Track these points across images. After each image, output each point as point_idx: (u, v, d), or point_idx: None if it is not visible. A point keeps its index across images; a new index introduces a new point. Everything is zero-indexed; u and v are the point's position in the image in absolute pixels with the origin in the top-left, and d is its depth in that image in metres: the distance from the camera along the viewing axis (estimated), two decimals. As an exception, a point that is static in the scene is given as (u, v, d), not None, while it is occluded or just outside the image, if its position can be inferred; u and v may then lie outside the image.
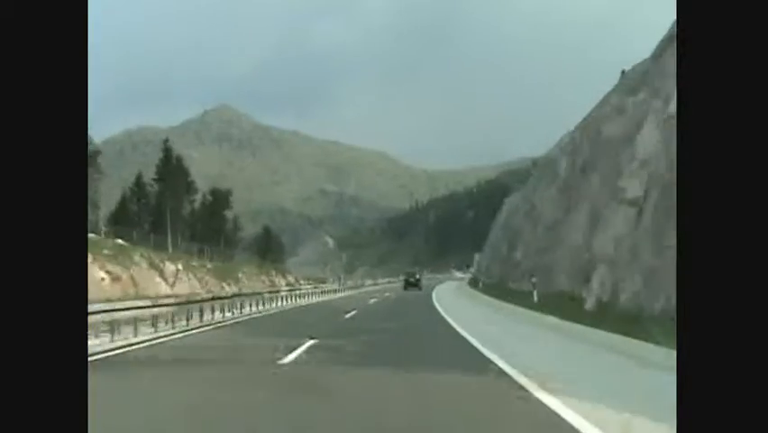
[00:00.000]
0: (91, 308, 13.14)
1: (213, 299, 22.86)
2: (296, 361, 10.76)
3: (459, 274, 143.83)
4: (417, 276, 70.67)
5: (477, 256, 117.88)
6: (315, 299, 39.88)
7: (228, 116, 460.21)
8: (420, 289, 60.92)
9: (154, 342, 14.24)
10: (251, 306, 26.58)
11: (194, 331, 17.20)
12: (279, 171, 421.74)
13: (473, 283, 69.71)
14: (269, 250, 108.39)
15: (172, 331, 16.63)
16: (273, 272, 75.18)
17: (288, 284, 60.66)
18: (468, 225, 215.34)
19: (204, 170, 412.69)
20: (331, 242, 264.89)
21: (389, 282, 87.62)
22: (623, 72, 35.23)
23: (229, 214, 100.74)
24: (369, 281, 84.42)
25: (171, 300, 19.70)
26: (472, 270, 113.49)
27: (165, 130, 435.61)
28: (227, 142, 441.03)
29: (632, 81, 30.38)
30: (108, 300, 17.89)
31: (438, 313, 24.76)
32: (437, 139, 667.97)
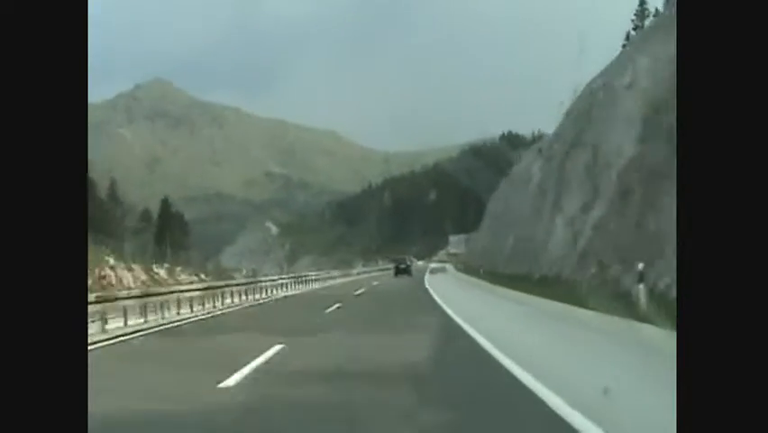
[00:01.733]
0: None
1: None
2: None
3: (419, 263, 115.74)
4: (408, 262, 73.24)
5: (454, 239, 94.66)
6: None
7: (163, 91, 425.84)
8: (410, 275, 62.33)
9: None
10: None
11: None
12: (220, 152, 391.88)
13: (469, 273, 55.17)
14: (166, 234, 78.31)
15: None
16: (155, 267, 55.87)
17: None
18: (430, 208, 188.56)
19: (135, 149, 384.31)
20: (274, 228, 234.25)
21: (331, 277, 53.80)
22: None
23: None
24: (313, 273, 53.91)
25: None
26: (448, 256, 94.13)
27: (93, 105, 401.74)
28: (162, 118, 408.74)
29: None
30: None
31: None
32: (393, 120, 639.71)
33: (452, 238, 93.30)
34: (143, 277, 54.94)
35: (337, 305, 21.96)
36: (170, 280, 51.19)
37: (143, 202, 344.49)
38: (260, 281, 32.59)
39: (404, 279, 53.75)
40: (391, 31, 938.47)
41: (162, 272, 53.96)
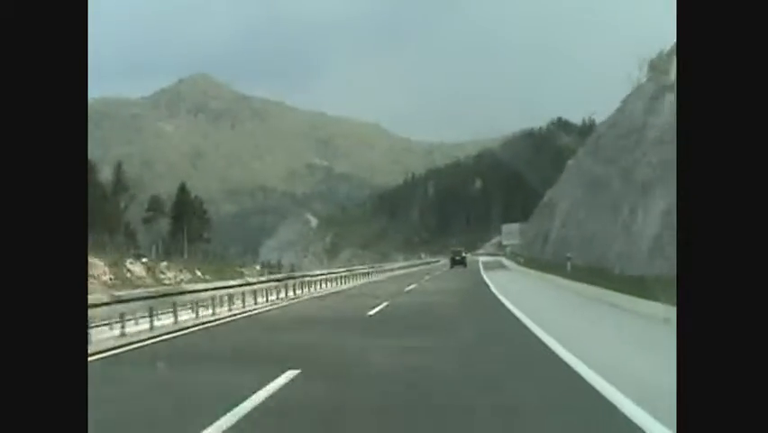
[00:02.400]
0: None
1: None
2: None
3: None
4: (463, 255, 75.77)
5: (507, 228, 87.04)
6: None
7: (205, 86, 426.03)
8: (465, 266, 66.30)
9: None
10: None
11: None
12: (261, 145, 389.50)
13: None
14: (184, 225, 74.00)
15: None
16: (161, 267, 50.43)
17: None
18: (475, 198, 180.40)
19: (177, 143, 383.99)
20: (314, 221, 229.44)
21: (371, 274, 44.05)
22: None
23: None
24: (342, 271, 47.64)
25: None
26: (497, 247, 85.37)
27: (134, 101, 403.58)
28: (204, 113, 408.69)
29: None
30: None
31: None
32: (436, 111, 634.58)
33: (506, 227, 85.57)
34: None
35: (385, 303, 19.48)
36: (149, 279, 44.75)
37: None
38: (294, 277, 27.26)
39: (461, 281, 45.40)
40: (434, 21, 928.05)
41: (138, 269, 47.00)
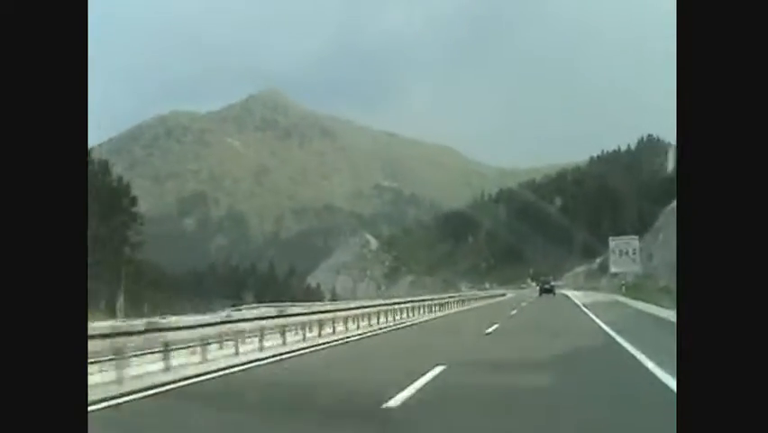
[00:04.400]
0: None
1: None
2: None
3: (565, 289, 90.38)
4: (552, 283, 78.64)
5: (618, 244, 62.04)
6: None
7: (274, 102, 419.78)
8: (554, 294, 68.95)
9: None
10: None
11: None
12: (329, 164, 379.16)
13: None
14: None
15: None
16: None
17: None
18: (553, 220, 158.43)
19: (244, 159, 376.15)
20: (374, 242, 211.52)
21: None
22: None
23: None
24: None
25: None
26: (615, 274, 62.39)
27: (203, 116, 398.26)
28: (272, 129, 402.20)
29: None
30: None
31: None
32: (509, 134, 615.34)
33: (617, 243, 60.82)
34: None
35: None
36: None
37: (254, 212, 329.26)
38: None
39: None
40: (506, 45, 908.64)
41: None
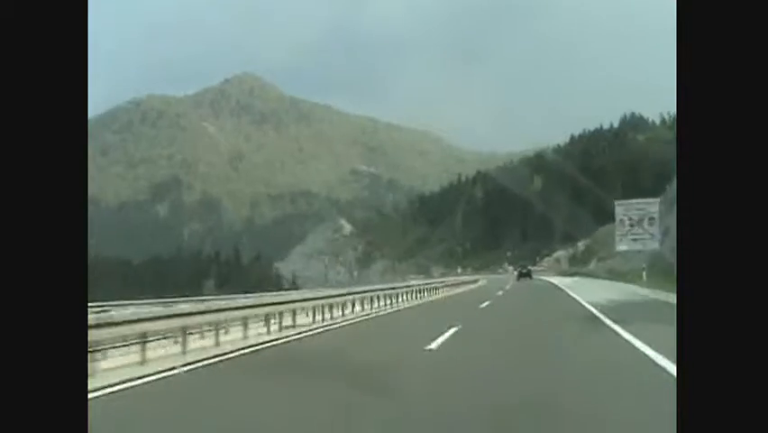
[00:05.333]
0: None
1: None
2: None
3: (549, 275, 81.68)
4: (529, 268, 78.65)
5: (627, 209, 46.54)
6: None
7: (251, 86, 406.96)
8: (531, 278, 69.36)
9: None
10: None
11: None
12: (306, 149, 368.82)
13: None
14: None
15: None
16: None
17: None
18: (532, 202, 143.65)
19: (219, 144, 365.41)
20: (348, 227, 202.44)
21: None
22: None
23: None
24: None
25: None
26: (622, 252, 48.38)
27: (179, 99, 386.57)
28: (248, 114, 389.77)
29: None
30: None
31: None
32: (491, 122, 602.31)
33: (624, 208, 45.28)
34: None
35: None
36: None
37: (229, 197, 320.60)
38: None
39: None
40: (488, 35, 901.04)
41: None
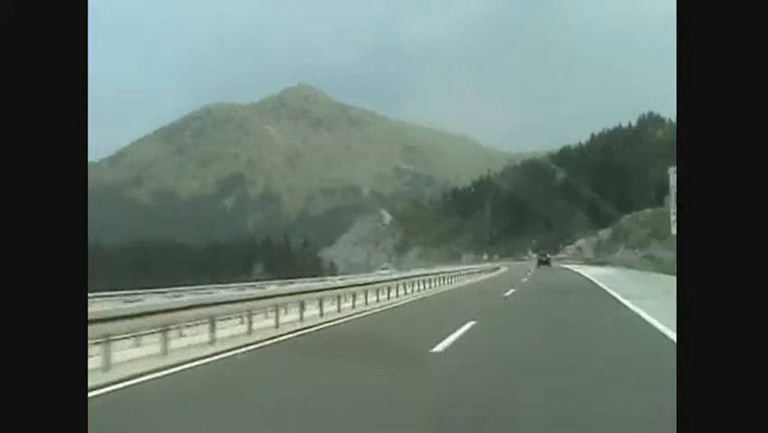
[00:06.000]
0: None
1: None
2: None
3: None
4: (548, 256, 73.85)
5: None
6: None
7: (306, 94, 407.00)
8: (550, 265, 64.07)
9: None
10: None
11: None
12: (355, 149, 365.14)
13: None
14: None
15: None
16: None
17: None
18: (555, 193, 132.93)
19: (279, 145, 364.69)
20: (387, 217, 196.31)
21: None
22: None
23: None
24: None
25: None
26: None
27: (244, 107, 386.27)
28: (304, 118, 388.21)
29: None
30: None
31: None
32: (518, 125, 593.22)
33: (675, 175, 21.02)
34: None
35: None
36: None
37: (287, 191, 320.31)
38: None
39: None
40: (515, 49, 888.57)
41: None
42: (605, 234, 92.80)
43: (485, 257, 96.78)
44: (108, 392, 6.58)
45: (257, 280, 42.89)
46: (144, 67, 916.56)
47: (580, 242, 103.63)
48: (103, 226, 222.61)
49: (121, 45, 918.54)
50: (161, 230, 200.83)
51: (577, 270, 49.59)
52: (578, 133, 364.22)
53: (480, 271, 47.49)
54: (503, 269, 57.96)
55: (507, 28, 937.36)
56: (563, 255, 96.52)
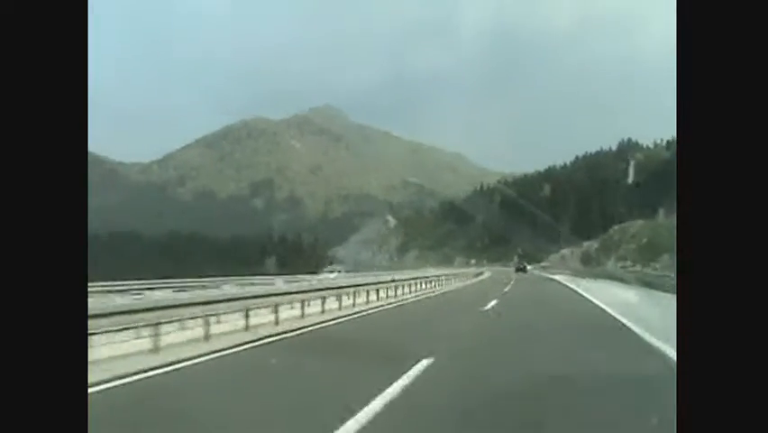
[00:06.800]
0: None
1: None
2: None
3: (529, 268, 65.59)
4: (524, 264, 69.43)
5: None
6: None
7: (329, 114, 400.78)
8: (525, 273, 57.58)
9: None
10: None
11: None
12: (369, 163, 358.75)
13: None
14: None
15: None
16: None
17: None
18: (542, 207, 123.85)
19: (303, 156, 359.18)
20: (392, 221, 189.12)
21: None
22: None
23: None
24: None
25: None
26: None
27: (275, 122, 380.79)
28: (326, 135, 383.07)
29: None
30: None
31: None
32: (509, 147, 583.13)
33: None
34: None
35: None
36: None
37: (309, 196, 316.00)
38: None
39: None
40: (513, 79, 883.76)
41: None
42: (592, 244, 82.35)
43: (473, 261, 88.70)
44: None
45: (253, 275, 36.43)
46: (191, 85, 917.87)
47: (564, 251, 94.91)
48: (148, 218, 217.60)
49: (171, 66, 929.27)
50: (200, 224, 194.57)
51: (568, 283, 33.15)
52: (563, 159, 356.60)
53: (455, 276, 36.37)
54: (486, 274, 49.79)
55: (504, 65, 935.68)
56: (547, 264, 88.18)
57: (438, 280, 28.98)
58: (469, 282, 36.60)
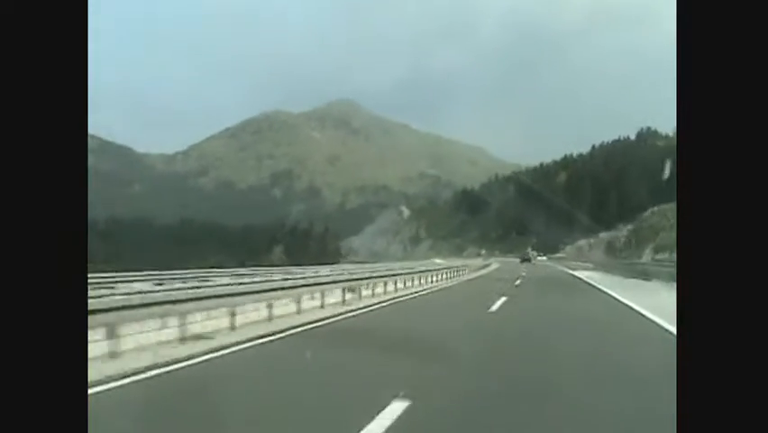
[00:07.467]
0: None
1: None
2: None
3: (541, 258, 58.89)
4: (529, 255, 65.51)
5: None
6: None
7: (348, 107, 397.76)
8: (531, 263, 56.12)
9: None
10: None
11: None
12: (386, 155, 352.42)
13: None
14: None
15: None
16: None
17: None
18: (559, 192, 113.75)
19: (322, 148, 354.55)
20: (406, 212, 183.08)
21: None
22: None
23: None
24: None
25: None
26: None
27: (296, 115, 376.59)
28: (344, 127, 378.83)
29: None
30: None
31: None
32: (526, 139, 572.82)
33: None
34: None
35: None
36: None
37: (327, 187, 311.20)
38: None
39: None
40: (529, 73, 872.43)
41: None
42: (621, 231, 67.28)
43: (482, 252, 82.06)
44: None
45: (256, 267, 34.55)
46: (219, 81, 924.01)
47: (581, 242, 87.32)
48: (169, 207, 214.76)
49: (201, 65, 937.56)
50: (219, 213, 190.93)
51: (608, 289, 19.32)
52: (581, 148, 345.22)
53: (457, 270, 30.03)
54: (494, 265, 43.13)
55: (523, 60, 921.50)
56: (562, 255, 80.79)
57: (411, 276, 21.51)
58: (469, 277, 29.77)
